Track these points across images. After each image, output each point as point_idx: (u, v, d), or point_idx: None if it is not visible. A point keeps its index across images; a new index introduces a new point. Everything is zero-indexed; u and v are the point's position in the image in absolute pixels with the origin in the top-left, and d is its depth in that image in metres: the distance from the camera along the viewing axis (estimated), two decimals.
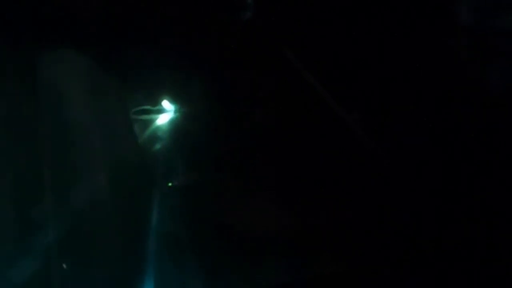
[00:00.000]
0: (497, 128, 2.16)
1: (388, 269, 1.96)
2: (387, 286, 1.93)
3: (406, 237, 2.04)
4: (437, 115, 2.29)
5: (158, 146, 2.37)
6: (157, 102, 2.40)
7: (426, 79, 2.34)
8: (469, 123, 2.24)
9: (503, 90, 2.24)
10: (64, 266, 1.72)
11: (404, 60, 2.37)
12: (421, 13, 2.39)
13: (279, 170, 2.30)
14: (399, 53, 2.38)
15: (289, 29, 2.56)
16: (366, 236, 2.09)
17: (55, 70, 1.90)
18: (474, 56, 2.34)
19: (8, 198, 1.71)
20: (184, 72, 2.37)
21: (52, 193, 1.78)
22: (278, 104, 2.48)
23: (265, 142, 2.37)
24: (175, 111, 2.42)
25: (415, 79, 2.36)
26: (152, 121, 2.38)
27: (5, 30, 1.77)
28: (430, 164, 2.20)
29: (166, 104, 2.41)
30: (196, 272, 1.97)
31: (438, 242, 1.97)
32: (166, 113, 2.41)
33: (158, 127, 2.39)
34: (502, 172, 2.05)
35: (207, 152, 2.33)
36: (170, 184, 2.28)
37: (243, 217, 2.12)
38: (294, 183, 2.25)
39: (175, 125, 2.41)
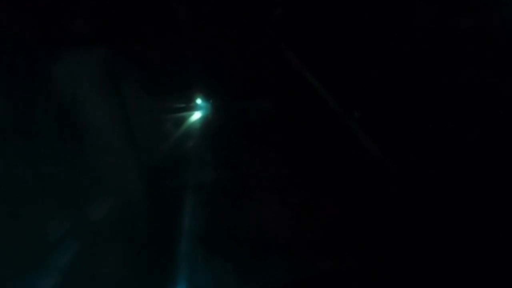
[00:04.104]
0: (497, 128, 2.17)
1: (389, 269, 1.97)
2: (387, 286, 1.94)
3: (406, 236, 2.05)
4: (436, 115, 2.30)
5: (181, 144, 2.36)
6: (184, 100, 2.40)
7: (426, 79, 2.35)
8: (469, 123, 2.25)
9: (502, 91, 2.25)
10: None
11: (404, 60, 2.37)
12: (422, 13, 2.39)
13: (280, 171, 2.30)
14: (399, 53, 2.39)
15: (289, 29, 2.56)
16: (366, 236, 2.10)
17: (68, 71, 1.89)
18: (474, 56, 2.35)
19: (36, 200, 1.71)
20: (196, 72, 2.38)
21: (71, 199, 1.79)
22: (278, 103, 2.48)
23: (266, 142, 2.38)
24: (200, 110, 2.42)
25: (415, 79, 2.37)
26: (180, 119, 2.38)
27: (19, 31, 1.75)
28: (430, 163, 2.21)
29: (196, 101, 2.41)
30: (205, 270, 1.98)
31: (438, 242, 1.99)
32: (189, 113, 2.41)
33: (187, 126, 2.39)
34: (502, 172, 2.06)
35: (220, 151, 2.34)
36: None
37: (245, 217, 2.13)
38: (297, 182, 2.26)
39: (201, 124, 2.41)
